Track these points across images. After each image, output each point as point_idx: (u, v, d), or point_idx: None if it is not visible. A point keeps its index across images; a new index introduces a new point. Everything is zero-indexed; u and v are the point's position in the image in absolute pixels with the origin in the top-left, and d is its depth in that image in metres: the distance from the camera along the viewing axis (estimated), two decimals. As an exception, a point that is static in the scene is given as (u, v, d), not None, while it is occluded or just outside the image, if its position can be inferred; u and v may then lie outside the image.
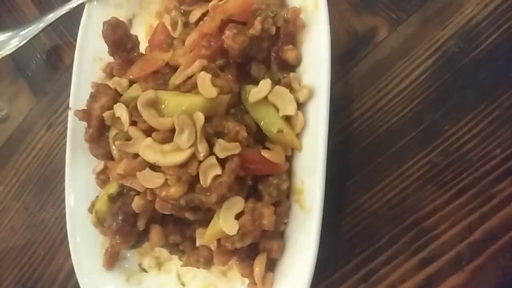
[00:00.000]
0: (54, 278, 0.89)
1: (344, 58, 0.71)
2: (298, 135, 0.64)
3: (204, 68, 0.63)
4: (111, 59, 0.76)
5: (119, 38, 0.68)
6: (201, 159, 0.60)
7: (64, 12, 0.82)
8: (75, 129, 0.76)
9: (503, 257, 0.60)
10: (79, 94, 0.77)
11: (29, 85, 0.96)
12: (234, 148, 0.60)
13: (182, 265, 0.70)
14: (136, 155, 0.63)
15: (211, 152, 0.60)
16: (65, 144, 0.78)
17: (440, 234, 0.63)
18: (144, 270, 0.76)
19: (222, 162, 0.60)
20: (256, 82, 0.65)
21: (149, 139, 0.61)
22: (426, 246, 0.63)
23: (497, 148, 0.62)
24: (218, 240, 0.64)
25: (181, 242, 0.69)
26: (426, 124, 0.65)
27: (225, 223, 0.61)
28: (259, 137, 0.66)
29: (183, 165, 0.60)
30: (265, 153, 0.63)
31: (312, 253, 0.59)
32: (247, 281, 0.66)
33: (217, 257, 0.65)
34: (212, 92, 0.60)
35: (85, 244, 0.75)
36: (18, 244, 0.93)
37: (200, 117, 0.59)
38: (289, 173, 0.66)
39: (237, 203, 0.62)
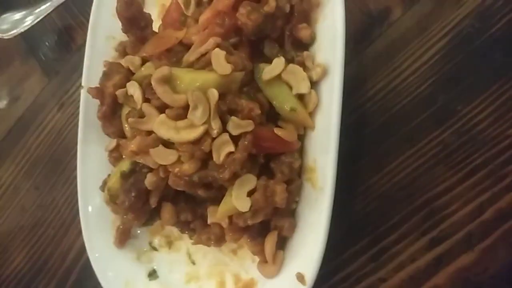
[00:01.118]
0: (64, 256, 0.89)
1: (358, 38, 0.71)
2: (311, 114, 0.64)
3: (218, 46, 0.62)
4: (123, 37, 0.76)
5: (132, 15, 0.68)
6: (214, 136, 0.60)
7: (76, -10, 0.83)
8: (87, 108, 0.77)
9: (514, 236, 0.60)
10: (91, 73, 0.77)
11: (40, 65, 0.96)
12: (247, 126, 0.60)
13: (193, 243, 0.71)
14: (149, 133, 0.64)
15: (224, 129, 0.60)
16: (76, 124, 0.78)
17: (451, 214, 0.63)
18: (155, 249, 0.77)
19: (235, 139, 0.60)
20: (269, 61, 0.65)
21: (163, 116, 0.61)
22: (437, 226, 0.63)
23: (509, 129, 0.62)
24: (230, 218, 0.64)
25: (192, 220, 0.70)
26: (439, 104, 0.65)
27: (238, 199, 0.61)
28: (272, 116, 0.66)
29: (196, 142, 0.60)
30: (278, 131, 0.63)
31: (323, 231, 0.59)
32: (257, 259, 0.66)
33: (229, 235, 0.66)
34: (226, 68, 0.60)
35: (96, 222, 0.76)
36: (28, 223, 0.93)
37: (214, 94, 0.60)
38: (301, 152, 0.66)
39: (250, 181, 0.62)
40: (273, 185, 0.62)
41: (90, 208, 0.76)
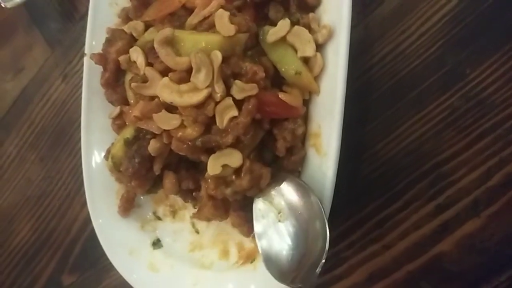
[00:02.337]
0: (69, 228, 0.90)
1: (365, 0, 0.69)
2: (316, 78, 0.63)
3: (221, 7, 0.61)
4: (126, 3, 0.75)
5: (135, -21, 0.67)
6: (217, 99, 0.59)
7: (79, -43, 0.81)
8: (91, 76, 0.76)
9: (521, 202, 0.59)
10: (94, 41, 0.77)
11: (43, 36, 0.96)
12: (251, 89, 0.59)
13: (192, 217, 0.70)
14: (153, 98, 0.63)
15: (228, 93, 0.59)
16: (80, 94, 0.78)
17: (457, 180, 0.62)
18: (159, 218, 0.77)
19: (239, 104, 0.59)
20: (274, 24, 0.64)
21: (166, 79, 0.60)
22: (443, 192, 0.62)
23: (520, 92, 0.60)
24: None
25: (194, 188, 0.69)
26: (448, 67, 0.63)
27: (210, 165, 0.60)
28: (276, 81, 0.65)
29: (200, 106, 0.59)
30: (282, 96, 0.62)
31: (328, 197, 0.58)
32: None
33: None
34: (230, 29, 0.59)
35: (100, 191, 0.76)
36: (34, 195, 0.94)
37: (217, 56, 0.59)
38: (306, 118, 0.65)
39: (234, 157, 0.60)
40: (259, 169, 0.61)
41: (94, 178, 0.76)
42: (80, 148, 0.77)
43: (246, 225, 0.65)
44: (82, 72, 0.78)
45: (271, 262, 0.58)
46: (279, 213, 0.61)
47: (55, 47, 0.94)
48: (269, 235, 0.60)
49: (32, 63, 0.96)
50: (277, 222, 0.60)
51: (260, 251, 0.59)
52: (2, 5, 0.87)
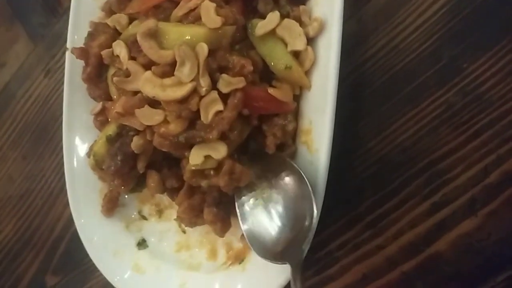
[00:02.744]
0: (52, 227, 0.87)
1: (357, -7, 0.67)
2: (307, 73, 0.61)
3: (208, -1, 0.59)
4: (109, -4, 0.72)
5: (118, -30, 0.65)
6: (203, 94, 0.57)
7: None
8: (73, 72, 0.74)
9: (520, 200, 0.57)
10: (77, 35, 0.74)
11: (26, 30, 0.93)
12: (238, 82, 0.57)
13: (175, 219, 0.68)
14: (135, 93, 0.61)
15: (213, 88, 0.57)
16: (63, 90, 0.75)
17: (454, 177, 0.60)
18: (144, 218, 0.75)
19: (225, 98, 0.57)
20: (263, 18, 0.62)
21: (148, 72, 0.58)
22: (439, 190, 0.60)
23: (517, 87, 0.58)
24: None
25: (178, 186, 0.67)
26: (444, 62, 0.61)
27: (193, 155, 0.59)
28: (265, 76, 0.63)
29: (184, 101, 0.57)
30: (271, 91, 0.60)
31: (320, 193, 0.56)
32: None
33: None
34: (216, 21, 0.57)
35: (83, 190, 0.74)
36: (16, 193, 0.91)
37: (203, 48, 0.56)
38: (297, 114, 0.63)
39: (218, 149, 0.58)
40: (239, 171, 0.58)
41: (76, 177, 0.74)
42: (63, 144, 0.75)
43: (219, 223, 0.62)
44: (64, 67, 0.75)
45: (254, 239, 0.58)
46: (263, 193, 0.60)
47: (37, 42, 0.92)
48: (254, 214, 0.60)
49: (14, 58, 0.93)
50: (262, 201, 0.60)
51: (243, 230, 0.59)
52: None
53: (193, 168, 0.58)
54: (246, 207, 0.61)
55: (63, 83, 0.83)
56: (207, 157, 0.58)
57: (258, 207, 0.60)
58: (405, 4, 0.64)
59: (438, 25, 0.62)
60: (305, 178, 0.56)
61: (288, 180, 0.58)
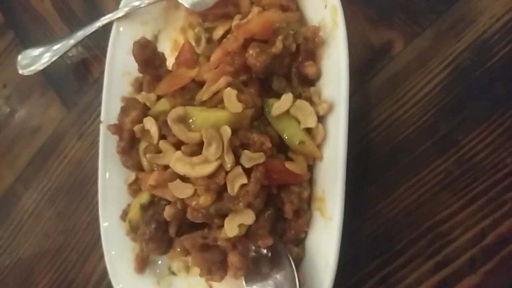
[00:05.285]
0: (87, 280, 0.93)
1: (362, 70, 0.74)
2: (319, 146, 0.67)
3: (229, 84, 0.66)
4: (138, 73, 0.80)
5: (148, 57, 0.72)
6: (228, 169, 0.63)
7: (93, 29, 0.87)
8: (107, 141, 0.81)
9: (515, 260, 0.63)
10: (109, 108, 0.82)
11: (59, 97, 1.01)
12: (259, 158, 0.63)
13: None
14: (166, 167, 0.67)
15: (237, 163, 0.64)
16: (95, 153, 0.82)
17: (454, 239, 0.66)
18: (173, 273, 0.80)
19: (248, 171, 0.64)
20: (277, 95, 0.69)
21: (179, 152, 0.65)
22: (441, 250, 0.66)
23: (508, 157, 0.65)
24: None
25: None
26: (441, 134, 0.68)
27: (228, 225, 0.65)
28: (281, 147, 0.69)
29: (211, 176, 0.63)
30: (288, 165, 0.66)
31: (333, 259, 0.62)
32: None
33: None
34: (237, 107, 0.64)
35: (117, 249, 0.80)
36: (52, 248, 0.97)
37: (227, 131, 0.63)
38: (311, 181, 0.70)
39: (248, 216, 0.65)
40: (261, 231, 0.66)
41: (111, 236, 0.80)
42: (96, 203, 0.81)
43: (243, 270, 0.67)
44: (97, 131, 0.83)
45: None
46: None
47: (70, 107, 0.99)
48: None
49: (48, 122, 1.01)
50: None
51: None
52: (20, 72, 0.93)
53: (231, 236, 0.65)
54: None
55: (94, 146, 0.91)
56: (240, 225, 0.65)
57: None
58: (405, 81, 0.71)
59: (435, 100, 0.69)
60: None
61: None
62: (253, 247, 0.68)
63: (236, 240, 0.66)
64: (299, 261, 0.67)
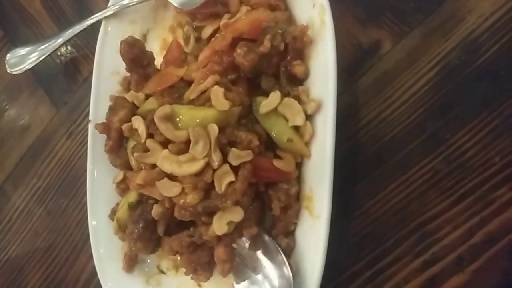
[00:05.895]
0: (77, 279, 0.93)
1: (350, 70, 0.74)
2: (307, 143, 0.67)
3: (217, 83, 0.66)
4: (127, 72, 0.80)
5: (136, 56, 0.72)
6: (215, 167, 0.63)
7: (82, 28, 0.86)
8: (95, 140, 0.80)
9: (502, 259, 0.63)
10: (98, 107, 0.82)
11: (48, 96, 1.00)
12: (247, 156, 0.64)
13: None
14: (154, 165, 0.67)
15: (224, 161, 0.64)
16: (85, 152, 0.83)
17: (442, 237, 0.66)
18: (162, 272, 0.80)
19: (235, 169, 0.64)
20: (266, 94, 0.69)
21: (166, 151, 0.65)
22: (429, 249, 0.67)
23: (496, 156, 0.65)
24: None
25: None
26: (429, 133, 0.68)
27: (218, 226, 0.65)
28: (269, 145, 0.69)
29: (199, 174, 0.63)
30: (276, 163, 0.66)
31: (320, 258, 0.62)
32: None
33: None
34: (224, 105, 0.64)
35: (106, 248, 0.80)
36: (42, 247, 0.97)
37: (214, 129, 0.63)
38: (299, 178, 0.70)
39: (237, 213, 0.65)
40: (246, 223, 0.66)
41: (100, 235, 0.80)
42: (85, 202, 0.81)
43: (229, 264, 0.68)
44: (86, 131, 0.83)
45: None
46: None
47: (59, 107, 0.99)
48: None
49: (38, 121, 1.01)
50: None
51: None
52: (8, 71, 0.92)
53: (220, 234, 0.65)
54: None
55: (84, 145, 0.91)
56: (229, 222, 0.64)
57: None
58: (393, 81, 0.71)
59: (423, 99, 0.69)
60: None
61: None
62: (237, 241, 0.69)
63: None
64: (290, 251, 0.67)
